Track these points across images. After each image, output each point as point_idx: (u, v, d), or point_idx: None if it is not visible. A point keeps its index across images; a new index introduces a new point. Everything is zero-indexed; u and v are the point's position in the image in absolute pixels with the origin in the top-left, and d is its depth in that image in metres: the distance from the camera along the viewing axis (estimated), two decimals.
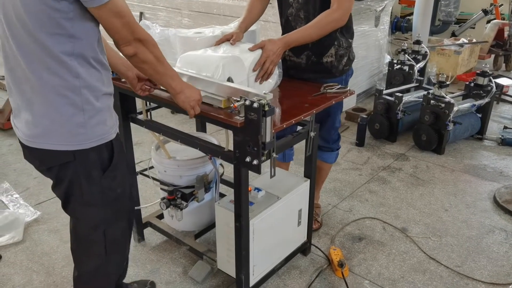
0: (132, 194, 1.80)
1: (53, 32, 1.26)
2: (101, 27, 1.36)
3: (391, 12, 7.09)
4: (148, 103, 2.09)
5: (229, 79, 1.76)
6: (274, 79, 2.02)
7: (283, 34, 2.12)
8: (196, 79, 1.74)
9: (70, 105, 1.35)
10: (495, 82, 3.72)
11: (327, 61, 2.16)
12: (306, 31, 1.98)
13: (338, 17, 1.99)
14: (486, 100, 3.65)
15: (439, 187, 3.07)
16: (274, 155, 1.70)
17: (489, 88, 3.64)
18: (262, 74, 1.89)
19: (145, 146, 3.57)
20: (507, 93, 4.67)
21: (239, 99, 1.59)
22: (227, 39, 2.00)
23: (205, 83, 1.72)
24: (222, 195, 2.23)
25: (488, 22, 6.35)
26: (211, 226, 2.34)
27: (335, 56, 2.16)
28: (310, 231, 2.32)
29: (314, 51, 2.16)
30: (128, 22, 1.33)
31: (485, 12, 6.50)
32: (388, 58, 4.94)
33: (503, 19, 6.65)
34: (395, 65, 4.28)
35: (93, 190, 1.48)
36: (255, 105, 1.51)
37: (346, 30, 2.16)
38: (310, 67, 2.19)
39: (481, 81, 3.67)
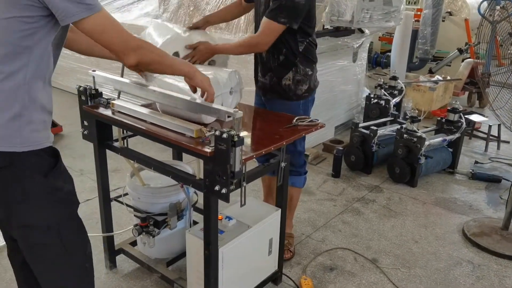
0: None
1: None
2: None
3: (372, 48, 7.37)
4: (124, 131, 2.14)
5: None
6: (236, 98, 2.11)
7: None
8: (169, 97, 1.82)
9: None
10: (466, 118, 3.87)
11: (285, 83, 2.38)
12: (230, 48, 2.30)
13: (257, 42, 2.26)
14: (457, 135, 3.78)
15: (410, 219, 3.14)
16: (245, 184, 1.75)
17: (460, 124, 3.79)
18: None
19: (123, 173, 3.58)
20: (479, 129, 4.84)
21: (210, 130, 1.66)
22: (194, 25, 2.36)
23: (178, 101, 1.80)
24: (196, 223, 2.25)
25: (463, 60, 6.62)
26: (184, 253, 2.35)
27: (292, 80, 2.37)
28: (281, 260, 2.35)
29: (275, 73, 2.38)
30: (118, 34, 1.35)
31: (460, 51, 6.79)
32: (366, 92, 5.09)
33: (478, 57, 6.92)
34: (372, 99, 4.43)
35: (37, 191, 1.37)
36: (225, 135, 1.57)
37: (304, 59, 2.37)
38: (272, 87, 2.41)
39: (452, 117, 3.82)
